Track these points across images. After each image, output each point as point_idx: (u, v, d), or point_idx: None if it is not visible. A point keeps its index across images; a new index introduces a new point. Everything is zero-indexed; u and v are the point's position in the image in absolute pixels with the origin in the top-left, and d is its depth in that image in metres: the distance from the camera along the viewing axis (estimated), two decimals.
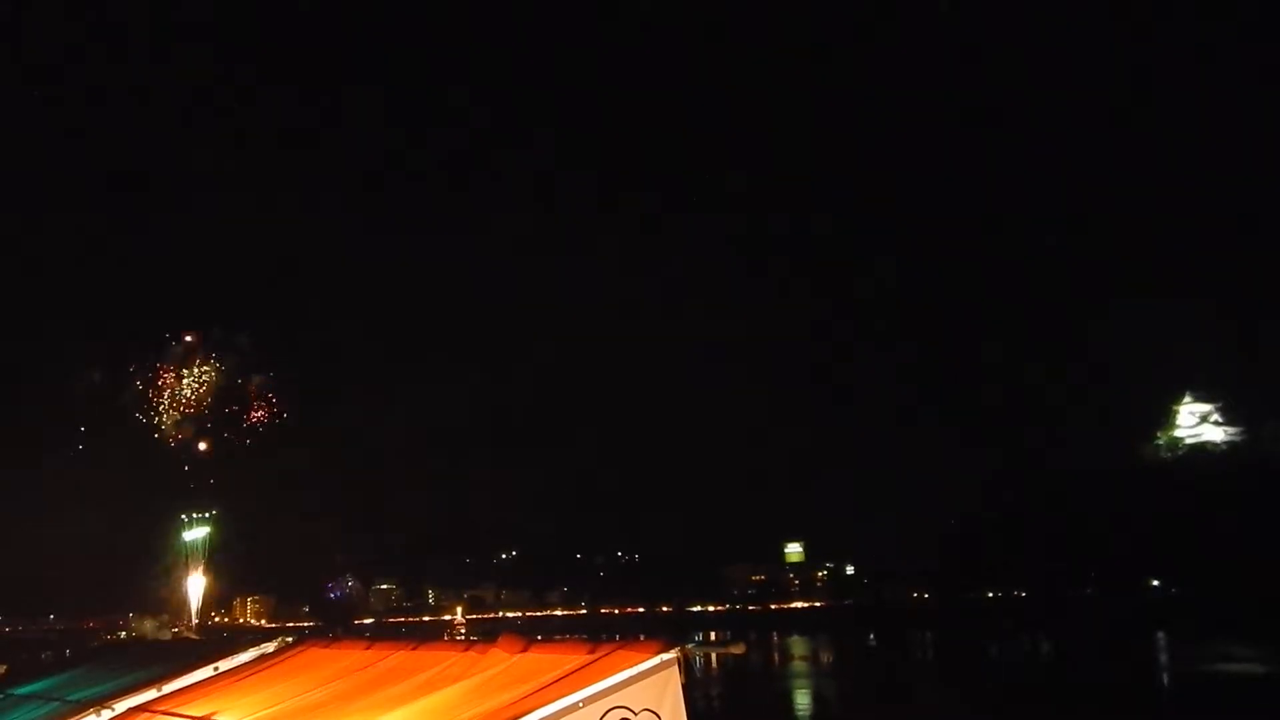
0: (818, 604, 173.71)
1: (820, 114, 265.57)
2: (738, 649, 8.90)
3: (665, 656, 5.68)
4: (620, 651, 5.82)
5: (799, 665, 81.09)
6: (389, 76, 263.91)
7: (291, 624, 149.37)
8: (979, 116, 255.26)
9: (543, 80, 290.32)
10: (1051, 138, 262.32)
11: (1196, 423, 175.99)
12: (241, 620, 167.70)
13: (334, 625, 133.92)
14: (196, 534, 66.54)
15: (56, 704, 9.31)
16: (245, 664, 8.95)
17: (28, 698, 10.19)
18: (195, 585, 67.53)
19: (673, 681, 5.66)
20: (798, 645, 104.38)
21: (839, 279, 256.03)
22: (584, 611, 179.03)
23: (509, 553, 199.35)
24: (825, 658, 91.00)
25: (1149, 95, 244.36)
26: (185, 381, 61.43)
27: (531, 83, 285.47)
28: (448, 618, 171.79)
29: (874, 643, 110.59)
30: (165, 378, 60.98)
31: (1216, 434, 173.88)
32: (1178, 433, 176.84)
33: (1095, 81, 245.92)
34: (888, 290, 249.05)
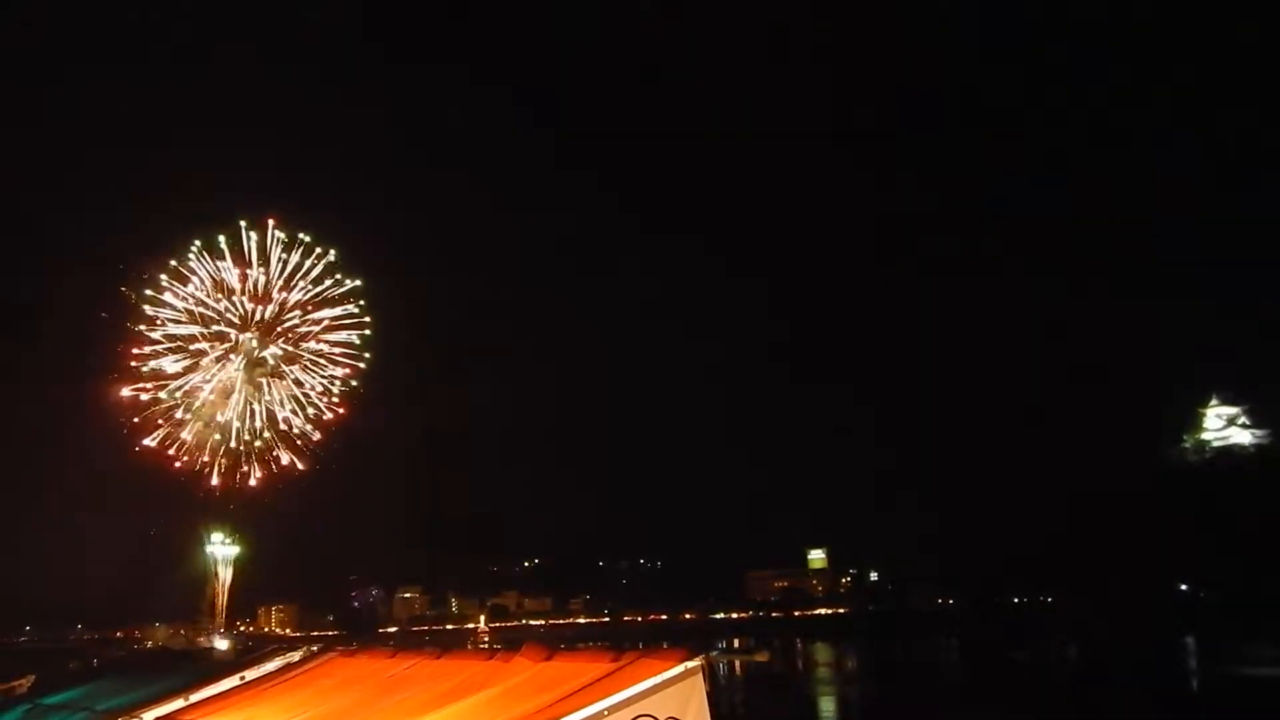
0: (841, 610, 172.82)
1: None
2: (762, 656, 8.84)
3: (689, 664, 5.65)
4: (644, 660, 5.80)
5: (823, 672, 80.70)
6: None
7: (316, 633, 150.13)
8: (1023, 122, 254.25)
9: None
10: (1083, 141, 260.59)
11: (1224, 425, 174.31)
12: (267, 629, 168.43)
13: (358, 634, 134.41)
14: (220, 543, 67.06)
15: (85, 714, 9.37)
16: (271, 673, 8.99)
17: (56, 707, 10.26)
18: (220, 594, 68.06)
19: (697, 689, 5.63)
20: (822, 652, 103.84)
21: (851, 284, 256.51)
22: (607, 619, 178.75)
23: (532, 561, 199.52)
24: (850, 664, 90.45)
25: (1189, 97, 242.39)
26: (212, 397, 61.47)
27: None
28: (471, 626, 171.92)
29: (899, 649, 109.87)
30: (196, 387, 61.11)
31: (1244, 436, 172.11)
32: (1205, 435, 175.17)
33: (1137, 81, 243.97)
34: (911, 297, 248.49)
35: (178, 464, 60.51)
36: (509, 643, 7.74)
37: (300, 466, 63.10)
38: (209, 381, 60.26)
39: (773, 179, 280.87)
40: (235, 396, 60.25)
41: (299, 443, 62.69)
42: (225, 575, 66.47)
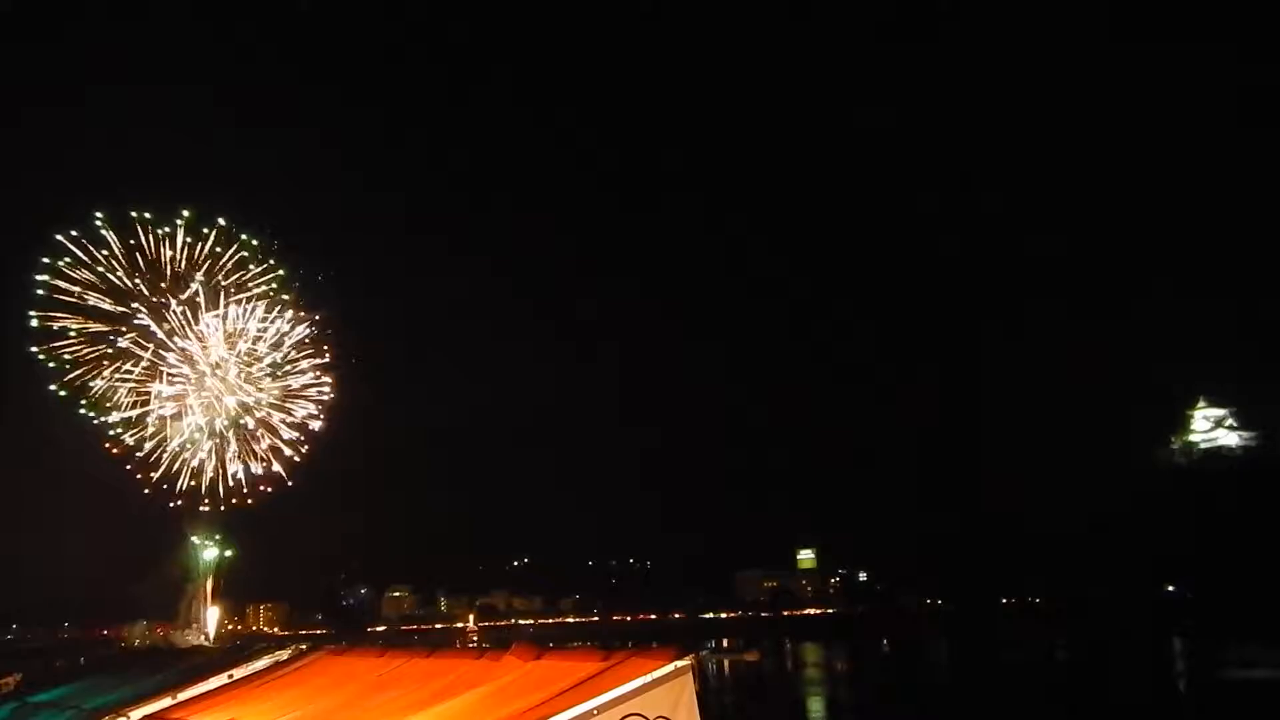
0: (831, 610, 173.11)
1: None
2: (751, 656, 8.86)
3: (679, 664, 5.66)
4: (633, 659, 5.81)
5: (812, 672, 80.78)
6: None
7: (305, 631, 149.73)
8: (992, 129, 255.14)
9: None
10: (1066, 141, 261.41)
11: (1212, 427, 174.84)
12: (255, 628, 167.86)
13: (347, 633, 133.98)
14: (206, 540, 66.56)
15: (72, 711, 9.35)
16: (260, 671, 8.99)
17: (44, 705, 10.24)
18: (204, 592, 67.59)
19: (686, 689, 5.64)
20: (811, 652, 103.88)
21: (842, 283, 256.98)
22: (596, 619, 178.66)
23: (521, 560, 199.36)
24: (839, 665, 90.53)
25: (1164, 92, 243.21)
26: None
27: None
28: (460, 625, 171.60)
29: (888, 649, 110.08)
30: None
31: (1232, 439, 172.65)
32: (1193, 437, 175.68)
33: (1105, 78, 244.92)
34: (898, 295, 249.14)
35: (155, 462, 59.81)
36: (498, 642, 7.74)
37: (285, 466, 62.63)
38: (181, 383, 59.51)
39: None
40: (208, 396, 59.54)
41: (284, 441, 62.21)
42: (207, 573, 66.02)
